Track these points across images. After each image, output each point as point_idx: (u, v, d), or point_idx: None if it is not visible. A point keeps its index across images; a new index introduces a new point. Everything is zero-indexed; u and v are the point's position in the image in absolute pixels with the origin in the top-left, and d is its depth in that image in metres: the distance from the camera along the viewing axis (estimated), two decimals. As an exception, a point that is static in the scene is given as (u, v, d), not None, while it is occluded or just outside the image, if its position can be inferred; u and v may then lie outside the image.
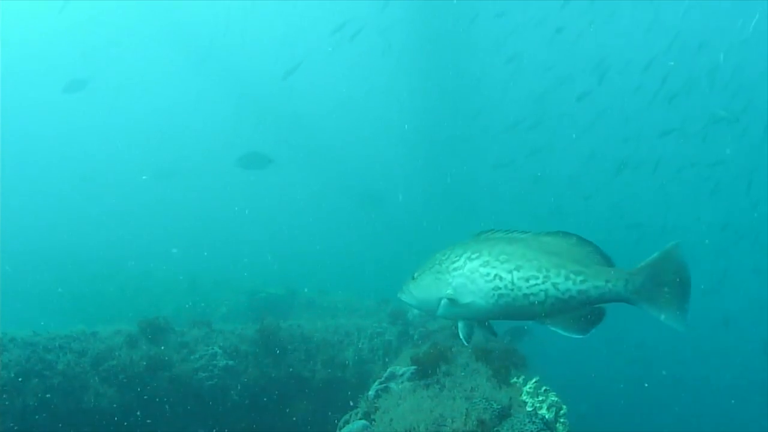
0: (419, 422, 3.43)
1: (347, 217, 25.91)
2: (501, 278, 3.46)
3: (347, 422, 4.36)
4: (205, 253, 19.85)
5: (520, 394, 4.49)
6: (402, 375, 5.01)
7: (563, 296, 3.30)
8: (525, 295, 3.39)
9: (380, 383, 4.86)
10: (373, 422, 4.01)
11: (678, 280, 3.16)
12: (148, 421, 6.64)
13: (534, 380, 4.63)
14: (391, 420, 3.66)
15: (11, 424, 5.94)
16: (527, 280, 3.37)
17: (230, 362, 7.11)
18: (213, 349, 7.13)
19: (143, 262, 16.77)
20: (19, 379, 6.14)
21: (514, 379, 4.78)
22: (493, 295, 3.48)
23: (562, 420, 4.32)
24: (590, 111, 20.75)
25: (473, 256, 3.58)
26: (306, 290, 12.46)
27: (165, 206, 27.73)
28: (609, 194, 22.07)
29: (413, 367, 4.93)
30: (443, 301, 3.76)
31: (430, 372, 4.69)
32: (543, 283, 3.35)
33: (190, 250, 20.62)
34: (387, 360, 7.37)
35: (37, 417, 6.12)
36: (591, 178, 21.67)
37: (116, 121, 32.31)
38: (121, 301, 13.70)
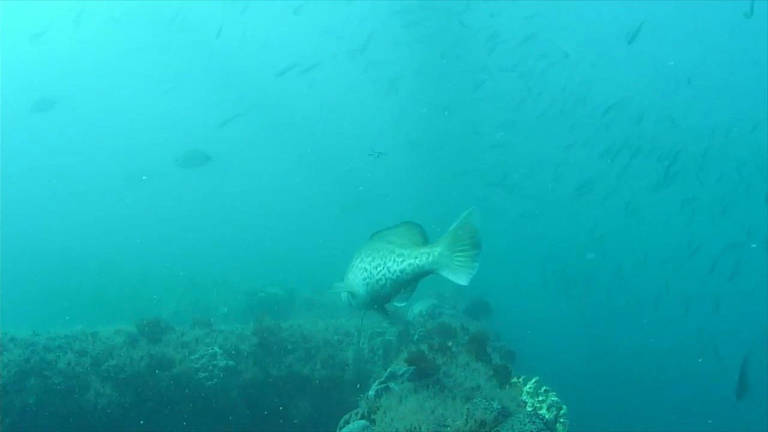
0: (420, 422, 3.44)
1: (346, 218, 26.02)
2: (365, 269, 3.96)
3: (347, 422, 4.36)
4: (204, 253, 19.85)
5: (520, 394, 4.51)
6: (402, 375, 5.02)
7: (393, 276, 3.77)
8: (377, 280, 3.86)
9: (380, 383, 4.87)
10: (374, 422, 4.01)
11: (470, 244, 3.49)
12: (149, 420, 6.64)
13: (534, 380, 4.65)
14: (392, 420, 3.67)
15: (12, 424, 5.94)
16: (376, 267, 3.88)
17: (230, 362, 7.11)
18: (213, 349, 7.13)
19: (142, 262, 16.75)
20: (20, 379, 6.14)
21: (515, 379, 4.80)
22: (365, 284, 3.97)
23: (562, 420, 4.34)
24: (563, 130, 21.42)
25: (357, 255, 4.14)
26: (305, 290, 12.44)
27: (163, 206, 27.84)
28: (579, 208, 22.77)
29: (413, 367, 4.93)
30: (348, 295, 4.29)
31: (428, 372, 4.70)
32: (382, 268, 3.84)
33: (189, 249, 20.63)
34: (387, 360, 7.37)
35: (37, 416, 6.12)
36: (558, 193, 22.36)
37: (112, 121, 32.38)
38: (120, 301, 13.66)
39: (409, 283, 3.74)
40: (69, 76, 30.17)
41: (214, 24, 21.26)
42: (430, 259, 3.60)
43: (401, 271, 3.70)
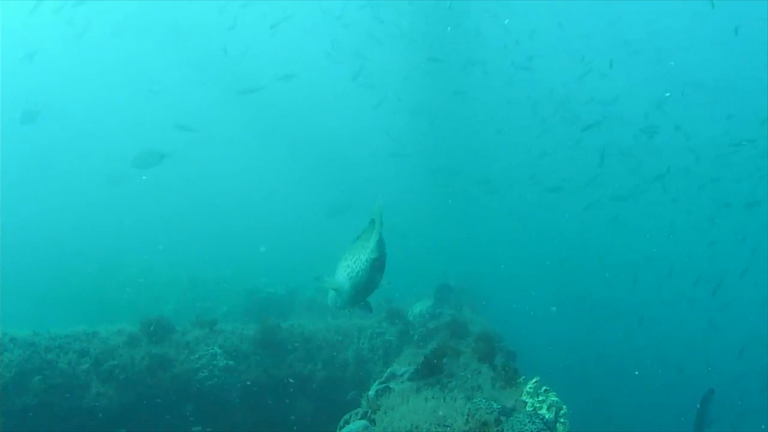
0: (421, 422, 3.44)
1: (342, 220, 25.99)
2: (348, 266, 4.63)
3: (347, 422, 4.37)
4: (205, 252, 19.82)
5: (521, 394, 4.51)
6: (402, 375, 5.03)
7: (364, 266, 4.50)
8: (356, 272, 4.54)
9: (380, 383, 4.88)
10: (374, 422, 4.01)
11: (379, 226, 4.29)
12: (149, 420, 6.64)
13: (534, 380, 4.64)
14: (393, 420, 3.67)
15: (12, 424, 5.94)
16: (355, 262, 4.57)
17: (230, 362, 7.11)
18: (213, 349, 7.13)
19: (142, 260, 16.71)
20: (20, 379, 6.14)
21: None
22: (348, 278, 4.63)
23: (562, 420, 4.33)
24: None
25: (342, 255, 4.78)
26: (306, 290, 12.40)
27: (162, 204, 27.80)
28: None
29: (413, 367, 4.94)
30: (334, 293, 4.92)
31: (434, 371, 4.71)
32: (358, 260, 4.55)
33: (189, 248, 20.59)
34: (387, 360, 7.37)
35: (37, 416, 6.12)
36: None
37: (107, 124, 32.46)
38: (120, 301, 13.61)
39: (372, 269, 4.44)
40: (64, 79, 30.28)
41: (205, 26, 21.31)
42: (369, 249, 4.40)
43: (366, 260, 4.46)
